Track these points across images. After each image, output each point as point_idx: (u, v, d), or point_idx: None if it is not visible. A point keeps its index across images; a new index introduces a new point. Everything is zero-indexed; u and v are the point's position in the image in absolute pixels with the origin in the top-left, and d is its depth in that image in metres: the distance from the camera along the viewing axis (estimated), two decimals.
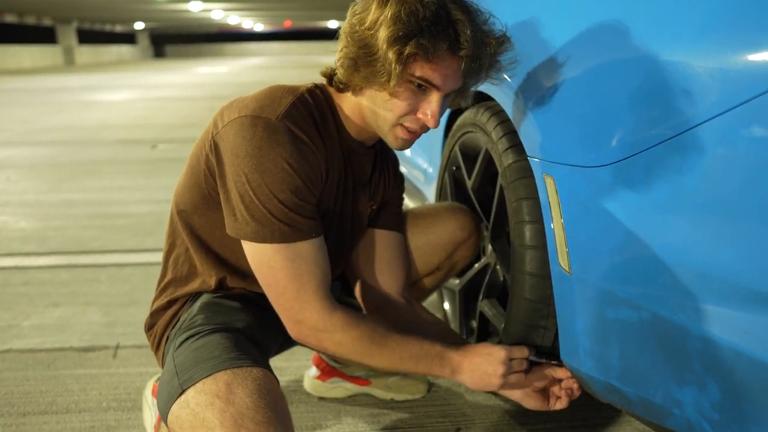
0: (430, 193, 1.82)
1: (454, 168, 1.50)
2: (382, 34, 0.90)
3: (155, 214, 2.97)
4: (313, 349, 1.01)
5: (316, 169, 0.99)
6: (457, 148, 1.45)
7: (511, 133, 1.17)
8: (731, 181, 0.76)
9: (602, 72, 0.95)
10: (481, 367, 1.05)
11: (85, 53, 30.48)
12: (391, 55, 0.90)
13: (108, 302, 1.97)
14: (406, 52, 0.89)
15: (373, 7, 0.92)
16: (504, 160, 1.16)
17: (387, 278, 1.20)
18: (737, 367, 0.76)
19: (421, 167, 1.98)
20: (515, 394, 1.12)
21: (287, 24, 40.86)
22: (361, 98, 1.01)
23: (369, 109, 1.01)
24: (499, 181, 1.21)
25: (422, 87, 0.95)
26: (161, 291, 1.13)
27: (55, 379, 1.51)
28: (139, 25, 38.86)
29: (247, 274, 1.09)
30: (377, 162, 1.17)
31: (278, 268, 0.96)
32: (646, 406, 0.92)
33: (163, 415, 0.87)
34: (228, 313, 1.04)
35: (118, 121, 6.57)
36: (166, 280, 1.13)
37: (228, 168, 0.95)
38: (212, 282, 1.08)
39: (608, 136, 0.91)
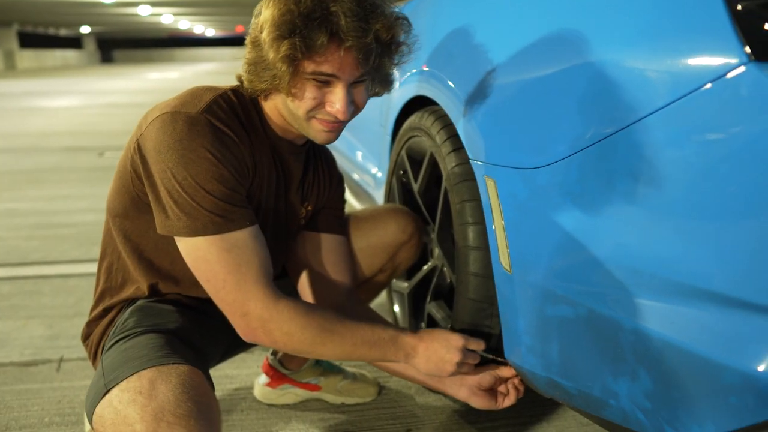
0: (380, 198, 1.84)
1: (401, 172, 1.52)
2: (264, 36, 0.91)
3: (102, 224, 2.87)
4: (264, 345, 1.00)
5: (241, 160, 0.98)
6: (403, 153, 1.47)
7: (454, 137, 1.19)
8: (658, 180, 0.80)
9: (537, 76, 0.98)
10: (438, 353, 1.05)
11: (28, 58, 29.44)
12: (272, 55, 0.90)
13: (51, 315, 1.91)
14: (282, 52, 0.89)
15: (263, 9, 0.93)
16: (447, 164, 1.19)
17: (332, 281, 1.20)
18: (665, 356, 0.80)
19: (371, 172, 2.00)
20: (462, 393, 1.14)
21: (239, 29, 40.43)
22: (275, 100, 1.01)
23: (284, 109, 1.00)
24: (444, 184, 1.23)
25: (324, 81, 0.94)
26: (97, 301, 1.11)
27: None
28: (85, 29, 37.81)
29: (180, 278, 1.07)
30: (309, 163, 1.16)
31: (215, 261, 0.93)
32: (585, 399, 0.96)
33: (89, 417, 0.86)
34: (160, 315, 1.02)
35: (63, 128, 6.37)
36: (100, 288, 1.11)
37: (153, 166, 0.94)
38: (145, 288, 1.06)
39: (544, 138, 0.94)
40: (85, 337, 1.11)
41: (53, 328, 1.81)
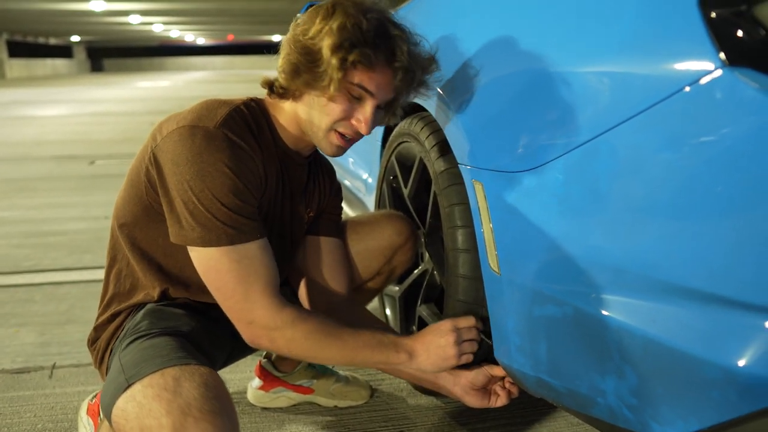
0: (371, 203, 1.86)
1: (392, 177, 1.54)
2: (327, 42, 0.97)
3: (93, 231, 2.89)
4: (268, 350, 1.03)
5: (256, 173, 1.02)
6: (393, 158, 1.49)
7: (442, 142, 1.22)
8: (639, 181, 0.82)
9: (522, 82, 1.01)
10: (433, 343, 1.09)
11: (17, 67, 29.34)
12: (334, 61, 0.96)
13: (43, 322, 1.91)
14: (350, 59, 0.96)
15: (318, 19, 0.99)
16: (436, 168, 1.21)
17: (331, 282, 1.23)
18: (649, 353, 0.82)
19: (362, 178, 2.01)
20: (456, 392, 1.16)
21: (230, 38, 40.47)
22: (299, 105, 1.06)
23: (306, 114, 1.05)
24: (433, 188, 1.26)
25: (357, 96, 1.02)
26: (105, 307, 1.13)
27: None
28: (75, 38, 37.72)
29: (189, 284, 1.10)
30: (311, 172, 1.21)
31: (225, 271, 0.97)
32: (573, 398, 0.98)
33: (107, 412, 0.87)
34: (173, 318, 1.05)
35: (53, 136, 6.35)
36: (108, 295, 1.13)
37: (169, 177, 0.97)
38: (155, 294, 1.09)
39: (529, 142, 0.96)
40: (92, 342, 1.13)
41: (45, 336, 1.81)
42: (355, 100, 1.02)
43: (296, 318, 1.00)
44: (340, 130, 1.04)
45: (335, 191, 1.28)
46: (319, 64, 0.98)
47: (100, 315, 1.13)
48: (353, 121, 1.04)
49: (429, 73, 1.08)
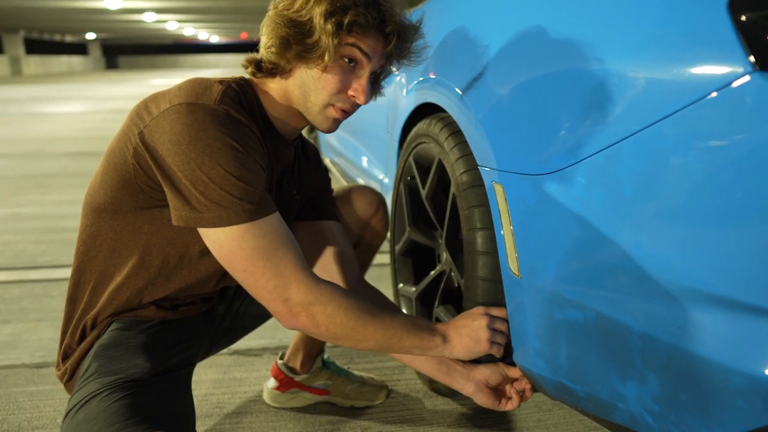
0: (388, 203, 1.85)
1: (409, 178, 1.54)
2: (318, 10, 0.95)
3: None
4: (305, 330, 0.97)
5: (260, 147, 0.99)
6: (411, 159, 1.49)
7: (462, 143, 1.21)
8: (664, 186, 0.81)
9: (546, 83, 1.00)
10: (466, 327, 1.06)
11: (33, 63, 29.64)
12: (329, 26, 0.94)
13: (61, 317, 1.92)
14: (346, 21, 0.94)
15: None
16: (456, 170, 1.20)
17: (344, 267, 1.21)
18: (673, 360, 0.81)
19: (378, 178, 2.01)
20: (468, 388, 1.13)
21: (243, 36, 40.62)
22: (289, 82, 1.03)
23: (299, 91, 1.02)
24: (452, 189, 1.25)
25: (352, 63, 1.00)
26: (69, 311, 1.09)
27: (6, 397, 1.47)
28: (90, 36, 38.03)
29: (171, 276, 1.05)
30: (296, 154, 1.19)
31: (251, 248, 0.92)
32: (593, 403, 0.97)
33: None
34: (124, 357, 1.00)
35: (68, 133, 6.41)
36: (70, 295, 1.09)
37: (170, 158, 0.91)
38: (126, 294, 1.04)
39: (552, 145, 0.96)
40: (63, 357, 1.09)
41: None
42: (349, 69, 1.00)
43: (335, 293, 0.96)
44: (338, 104, 1.02)
45: (322, 171, 1.27)
46: (311, 34, 0.95)
47: (67, 325, 1.09)
48: (350, 92, 1.01)
49: (414, 41, 1.05)
